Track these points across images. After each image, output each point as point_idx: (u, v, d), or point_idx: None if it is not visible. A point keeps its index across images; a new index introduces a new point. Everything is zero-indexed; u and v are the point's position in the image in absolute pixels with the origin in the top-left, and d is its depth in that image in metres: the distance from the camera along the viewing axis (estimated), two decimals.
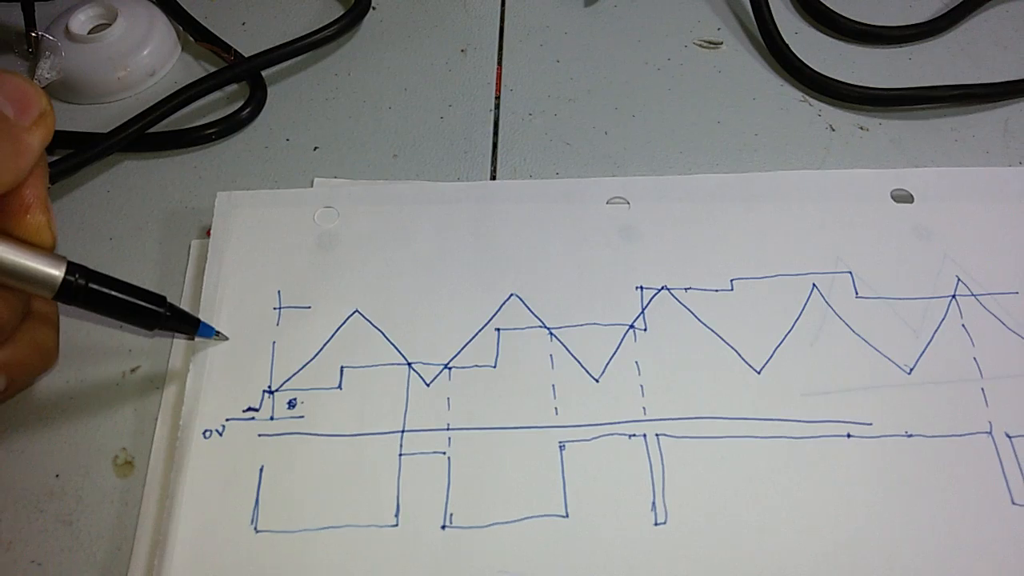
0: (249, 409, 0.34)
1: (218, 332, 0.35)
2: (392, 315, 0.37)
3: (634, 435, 0.34)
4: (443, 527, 0.32)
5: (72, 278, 0.31)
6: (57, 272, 0.30)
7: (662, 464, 0.33)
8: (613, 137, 0.44)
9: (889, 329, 0.36)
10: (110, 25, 0.46)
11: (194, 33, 0.48)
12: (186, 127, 0.44)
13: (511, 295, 0.37)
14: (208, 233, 0.39)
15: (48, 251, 0.30)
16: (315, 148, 0.44)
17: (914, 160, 0.43)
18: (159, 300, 0.33)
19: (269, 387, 0.35)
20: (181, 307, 0.35)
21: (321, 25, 0.47)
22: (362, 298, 0.37)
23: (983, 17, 0.49)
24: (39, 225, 0.30)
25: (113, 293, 0.32)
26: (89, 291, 0.31)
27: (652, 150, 0.43)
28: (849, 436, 0.34)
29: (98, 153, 0.42)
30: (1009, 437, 0.34)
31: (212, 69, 0.47)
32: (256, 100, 0.45)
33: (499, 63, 0.48)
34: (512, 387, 0.35)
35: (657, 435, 0.34)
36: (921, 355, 0.36)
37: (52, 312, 0.33)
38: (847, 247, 0.38)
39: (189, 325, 0.35)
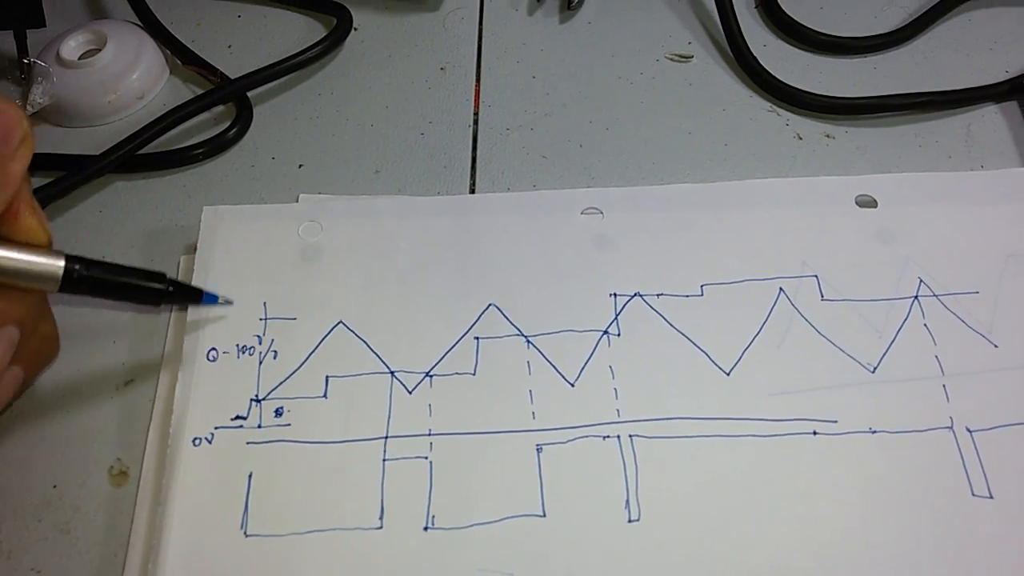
0: (237, 417, 0.35)
1: (222, 298, 0.37)
2: (375, 325, 0.38)
3: (608, 436, 0.35)
4: (426, 528, 0.33)
5: (73, 268, 0.32)
6: (58, 266, 0.32)
7: (635, 464, 0.34)
8: (588, 149, 0.45)
9: (853, 330, 0.38)
10: (100, 50, 0.48)
11: (181, 56, 0.50)
12: (175, 148, 0.45)
13: (489, 305, 0.39)
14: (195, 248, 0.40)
15: (48, 249, 0.32)
16: (300, 166, 0.45)
17: (879, 166, 0.44)
18: (159, 277, 0.35)
19: (256, 396, 0.36)
20: (180, 282, 0.36)
21: (304, 46, 0.49)
22: (346, 309, 0.38)
23: (945, 27, 0.51)
24: (32, 226, 0.31)
25: (114, 278, 0.34)
26: (91, 279, 0.33)
27: (625, 161, 0.45)
28: (815, 433, 0.35)
29: (89, 175, 0.43)
30: (969, 431, 0.35)
31: (199, 91, 0.49)
32: (242, 120, 0.46)
33: (477, 80, 0.49)
34: (491, 393, 0.36)
35: (631, 436, 0.35)
36: (884, 354, 0.37)
37: (47, 305, 0.35)
38: (813, 252, 0.40)
39: (193, 296, 0.36)
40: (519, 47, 0.51)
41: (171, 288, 0.35)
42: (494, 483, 0.34)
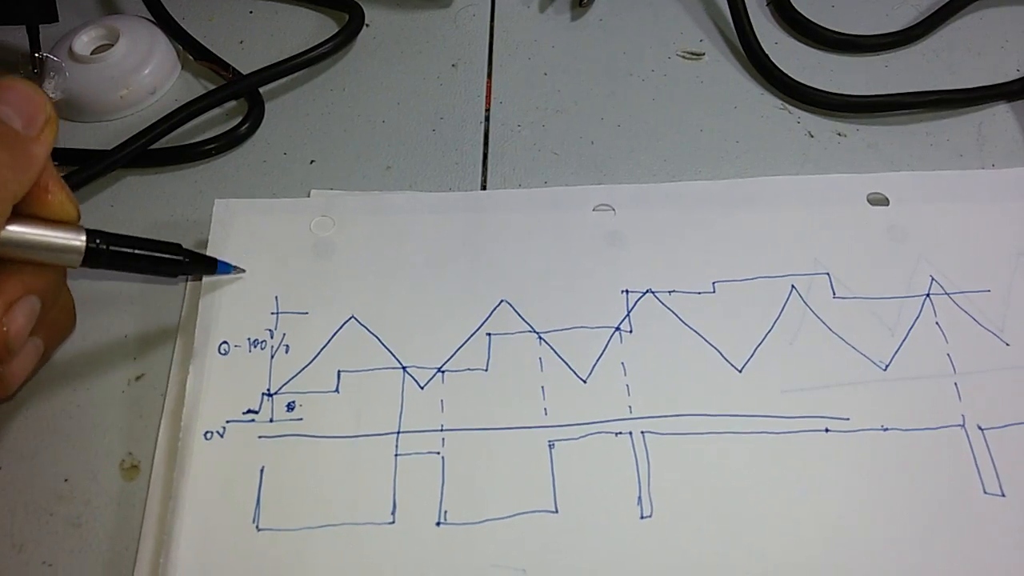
0: (249, 411, 0.35)
1: (235, 267, 0.38)
2: (387, 320, 0.38)
3: (620, 433, 0.35)
4: (438, 524, 0.33)
5: (94, 244, 0.33)
6: (80, 241, 0.32)
7: (647, 460, 0.34)
8: (599, 146, 0.45)
9: (865, 327, 0.38)
10: (112, 46, 0.48)
11: (193, 52, 0.50)
12: (187, 143, 0.46)
13: (501, 301, 0.39)
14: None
15: (70, 224, 0.32)
16: (312, 161, 0.45)
17: (891, 164, 0.44)
18: (176, 248, 0.36)
19: (268, 390, 0.36)
20: (196, 252, 0.37)
21: (316, 42, 0.49)
22: (358, 304, 0.38)
23: (957, 25, 0.51)
24: (61, 201, 0.32)
25: (134, 251, 0.34)
26: (112, 253, 0.33)
27: (637, 158, 0.45)
28: (827, 431, 0.35)
29: (102, 169, 0.43)
30: (981, 429, 0.35)
31: (211, 86, 0.49)
32: (254, 116, 0.47)
33: (489, 77, 0.49)
34: (503, 389, 0.36)
35: (643, 432, 0.35)
36: (896, 352, 0.37)
37: (64, 277, 0.35)
38: (825, 249, 0.40)
39: (208, 266, 0.38)
40: (531, 44, 0.51)
41: (187, 259, 0.36)
42: (506, 479, 0.34)
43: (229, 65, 0.49)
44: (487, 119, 0.47)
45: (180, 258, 0.36)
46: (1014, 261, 0.39)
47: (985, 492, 0.33)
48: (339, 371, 0.37)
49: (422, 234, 0.41)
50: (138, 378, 0.38)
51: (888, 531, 0.33)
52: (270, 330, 0.38)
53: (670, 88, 0.48)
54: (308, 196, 0.43)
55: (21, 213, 0.31)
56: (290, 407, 0.36)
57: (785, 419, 0.35)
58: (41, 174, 0.31)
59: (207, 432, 0.35)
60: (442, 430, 0.35)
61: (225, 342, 0.37)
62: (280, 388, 0.36)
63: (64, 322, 0.37)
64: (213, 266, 0.38)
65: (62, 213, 0.32)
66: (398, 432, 0.35)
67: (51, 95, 0.46)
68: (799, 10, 0.50)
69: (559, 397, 0.36)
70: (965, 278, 0.39)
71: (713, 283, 0.39)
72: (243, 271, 0.39)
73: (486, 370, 0.37)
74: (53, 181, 0.32)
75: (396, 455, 0.35)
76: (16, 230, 0.31)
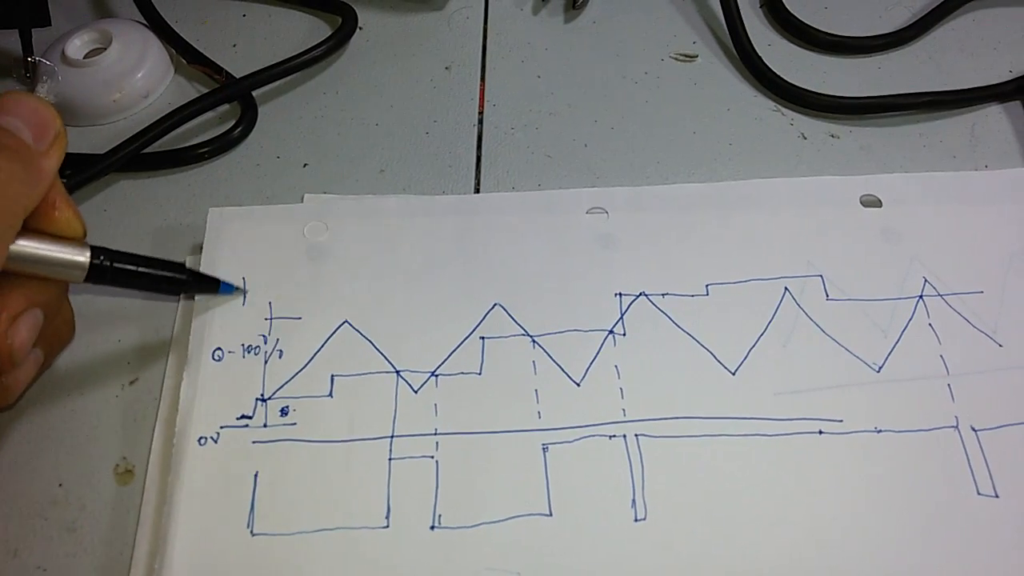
0: (243, 417, 0.35)
1: (236, 287, 0.38)
2: (380, 325, 0.38)
3: (614, 436, 0.35)
4: (432, 528, 0.33)
5: (98, 261, 0.33)
6: (84, 258, 0.33)
7: (641, 463, 0.34)
8: (593, 149, 0.45)
9: (859, 329, 0.38)
10: (105, 49, 0.48)
11: (186, 55, 0.50)
12: (180, 147, 0.45)
13: (495, 304, 0.39)
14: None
15: (76, 240, 0.33)
16: (305, 165, 0.45)
17: (884, 166, 0.44)
18: (179, 268, 0.36)
19: (262, 395, 0.36)
20: (200, 271, 0.38)
21: (309, 46, 0.49)
22: (351, 309, 0.38)
23: (949, 26, 0.51)
24: (68, 218, 0.32)
25: (137, 268, 0.35)
26: (115, 270, 0.34)
27: (630, 161, 0.45)
28: (821, 433, 0.35)
29: (95, 173, 0.43)
30: (974, 430, 0.35)
31: (204, 90, 0.49)
32: (247, 119, 0.46)
33: (482, 79, 0.49)
34: (497, 393, 0.36)
35: (636, 435, 0.35)
36: (890, 354, 0.37)
37: (66, 290, 0.36)
38: (818, 251, 0.40)
39: (211, 285, 0.38)
40: (524, 46, 0.51)
41: (190, 279, 0.37)
42: (500, 482, 0.34)
43: (222, 68, 0.49)
44: (480, 122, 0.47)
45: (183, 277, 0.36)
46: (1007, 262, 0.39)
47: (979, 493, 0.34)
48: (332, 375, 0.37)
49: (415, 237, 0.41)
50: (132, 383, 0.38)
51: (882, 533, 0.33)
52: (264, 335, 0.38)
53: (663, 90, 0.48)
54: (301, 199, 0.43)
55: (28, 228, 0.31)
56: (284, 412, 0.36)
57: (778, 421, 0.35)
58: (49, 190, 0.31)
59: (201, 438, 0.35)
60: (436, 434, 0.35)
61: (219, 348, 0.37)
62: (274, 393, 0.36)
63: (64, 333, 0.37)
64: (215, 286, 0.38)
65: (68, 230, 0.32)
66: (392, 436, 0.35)
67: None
68: (792, 12, 0.50)
69: (553, 400, 0.36)
70: (958, 279, 0.39)
71: (706, 285, 0.39)
72: (245, 292, 0.39)
73: (479, 373, 0.37)
74: (60, 198, 0.32)
75: (390, 459, 0.35)
76: (23, 244, 0.31)
